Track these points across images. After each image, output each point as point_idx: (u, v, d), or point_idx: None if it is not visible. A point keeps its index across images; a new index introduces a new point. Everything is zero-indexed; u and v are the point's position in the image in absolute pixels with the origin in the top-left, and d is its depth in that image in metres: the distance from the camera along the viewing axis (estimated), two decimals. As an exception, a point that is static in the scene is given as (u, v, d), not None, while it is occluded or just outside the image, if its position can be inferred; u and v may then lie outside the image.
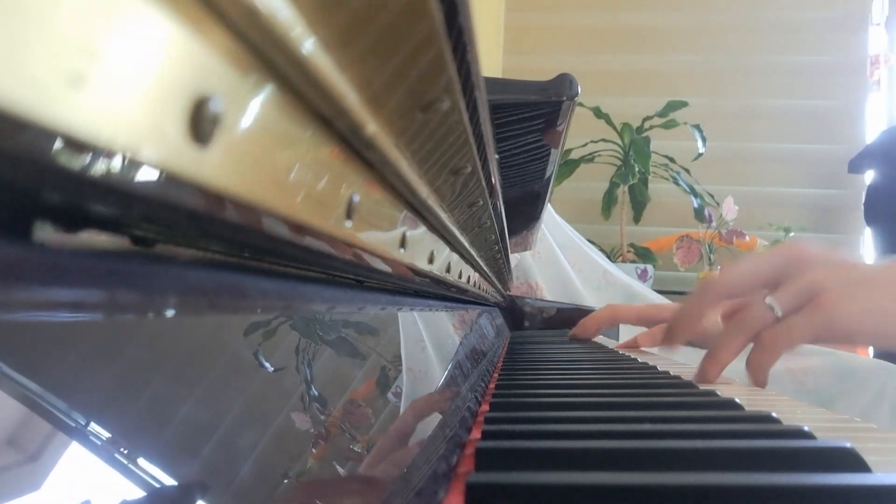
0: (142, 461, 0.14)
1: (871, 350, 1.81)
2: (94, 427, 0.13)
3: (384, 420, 0.30)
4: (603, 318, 0.96)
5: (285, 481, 0.20)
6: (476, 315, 0.77)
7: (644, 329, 0.90)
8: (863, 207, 2.41)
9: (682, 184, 2.41)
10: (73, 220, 0.11)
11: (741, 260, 0.63)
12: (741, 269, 0.61)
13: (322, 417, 0.24)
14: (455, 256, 0.43)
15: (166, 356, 0.17)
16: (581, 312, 1.27)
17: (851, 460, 0.25)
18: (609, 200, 2.49)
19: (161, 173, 0.10)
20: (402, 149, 0.20)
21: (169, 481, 0.15)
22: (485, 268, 0.63)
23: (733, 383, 0.58)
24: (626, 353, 0.80)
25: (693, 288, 2.27)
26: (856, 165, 2.43)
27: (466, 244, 0.43)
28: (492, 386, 0.48)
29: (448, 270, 0.41)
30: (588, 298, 1.58)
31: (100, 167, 0.09)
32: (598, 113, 2.43)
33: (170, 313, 0.14)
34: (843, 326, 0.54)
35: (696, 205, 2.38)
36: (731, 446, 0.26)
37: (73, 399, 0.13)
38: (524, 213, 0.97)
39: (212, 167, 0.11)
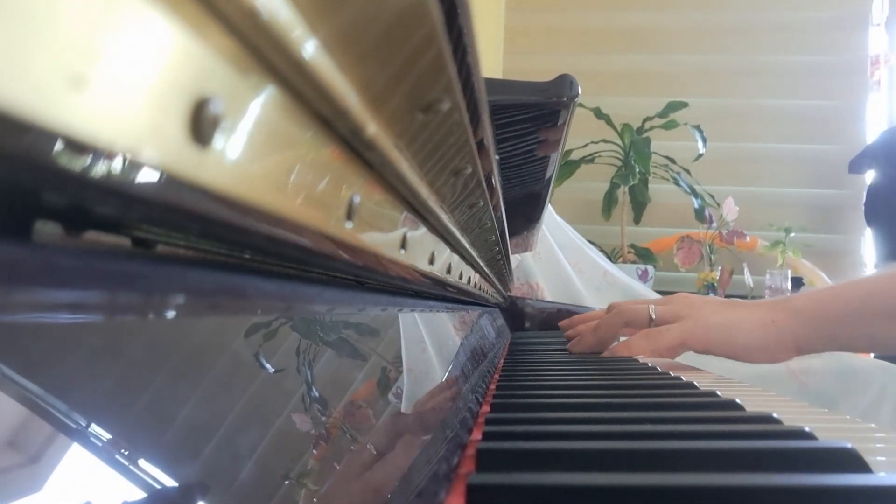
0: (142, 462, 0.14)
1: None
2: (94, 428, 0.13)
3: (385, 421, 0.30)
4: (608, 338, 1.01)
5: (286, 483, 0.20)
6: (477, 316, 0.77)
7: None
8: (863, 207, 2.41)
9: (682, 184, 2.41)
10: (73, 221, 0.11)
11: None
12: (637, 301, 0.82)
13: (323, 418, 0.24)
14: (456, 257, 0.43)
15: (167, 357, 0.17)
16: (581, 313, 1.27)
17: (852, 461, 0.25)
18: (609, 201, 2.49)
19: (162, 174, 0.10)
20: (403, 150, 0.20)
21: (169, 482, 0.15)
22: (485, 269, 0.62)
23: (732, 381, 0.58)
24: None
25: (693, 288, 2.27)
26: (856, 165, 2.42)
27: (467, 245, 0.43)
28: (493, 387, 0.48)
29: (449, 271, 0.41)
30: (589, 299, 1.58)
31: (100, 168, 0.09)
32: (598, 113, 2.43)
33: (170, 314, 0.14)
34: (698, 338, 0.71)
35: (696, 205, 2.38)
36: (731, 447, 0.26)
37: (74, 400, 0.13)
38: (524, 213, 0.97)
39: (212, 168, 0.11)
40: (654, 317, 0.74)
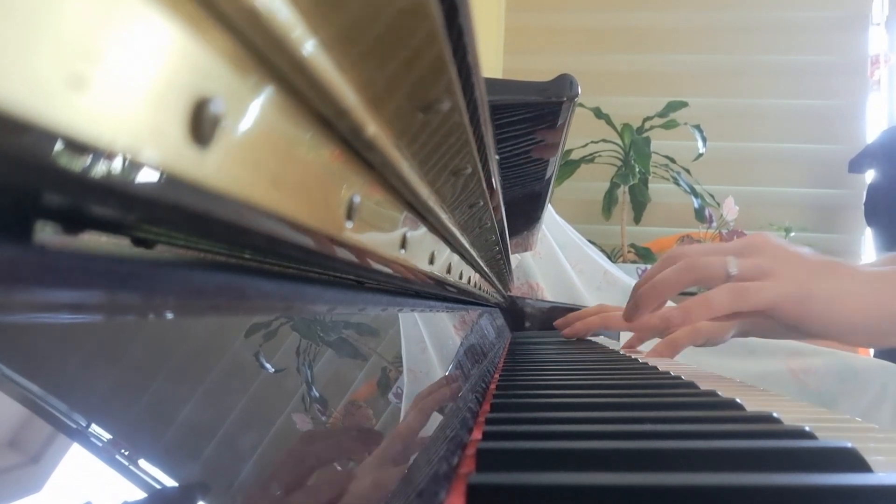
0: (143, 463, 0.14)
1: (871, 350, 1.81)
2: (95, 429, 0.13)
3: (385, 421, 0.30)
4: (593, 323, 0.96)
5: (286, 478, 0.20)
6: (477, 316, 0.77)
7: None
8: (863, 207, 2.41)
9: (682, 184, 2.41)
10: (73, 221, 0.11)
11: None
12: (705, 245, 0.65)
13: (323, 418, 0.24)
14: (456, 257, 0.43)
15: (167, 358, 0.17)
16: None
17: (853, 460, 0.25)
18: (609, 201, 2.49)
19: (162, 175, 0.10)
20: (403, 150, 0.20)
21: (170, 483, 0.15)
22: (485, 268, 0.62)
23: (731, 381, 0.58)
24: (627, 354, 0.80)
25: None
26: (856, 165, 2.42)
27: (467, 245, 0.43)
28: (493, 386, 0.48)
29: (449, 271, 0.41)
30: (589, 299, 1.58)
31: (100, 169, 0.09)
32: (598, 113, 2.43)
33: (170, 315, 0.14)
34: (794, 305, 0.55)
35: (696, 205, 2.38)
36: (732, 446, 0.26)
37: (74, 401, 0.13)
38: (525, 213, 0.97)
39: (212, 168, 0.11)
40: (733, 273, 0.58)
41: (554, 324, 1.01)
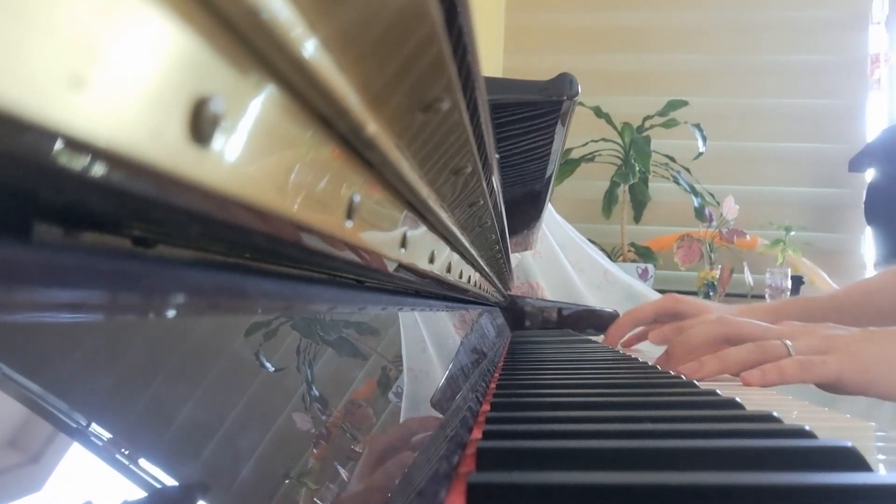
0: (143, 462, 0.14)
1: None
2: (95, 428, 0.13)
3: (385, 420, 0.30)
4: (625, 322, 0.97)
5: (286, 482, 0.20)
6: (477, 315, 0.77)
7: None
8: (863, 206, 2.41)
9: (682, 183, 2.41)
10: (73, 220, 0.11)
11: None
12: (756, 324, 0.69)
13: (323, 418, 0.24)
14: (456, 256, 0.43)
15: (167, 357, 0.17)
16: (582, 312, 1.27)
17: (853, 459, 0.25)
18: (609, 200, 2.49)
19: (161, 174, 0.10)
20: (403, 149, 0.20)
21: (170, 482, 0.15)
22: (485, 268, 0.62)
23: (731, 380, 0.58)
24: (628, 353, 0.80)
25: (693, 287, 2.27)
26: (856, 164, 2.42)
27: (467, 244, 0.43)
28: (493, 386, 0.48)
29: (449, 270, 0.41)
30: (589, 298, 1.58)
31: (100, 168, 0.09)
32: (598, 112, 2.43)
33: (170, 314, 0.14)
34: (858, 375, 0.61)
35: (696, 204, 2.38)
36: (732, 446, 0.26)
37: (74, 400, 0.13)
38: (524, 212, 0.97)
39: (212, 168, 0.11)
40: (792, 354, 0.63)
41: (609, 337, 1.01)
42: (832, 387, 0.63)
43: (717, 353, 0.65)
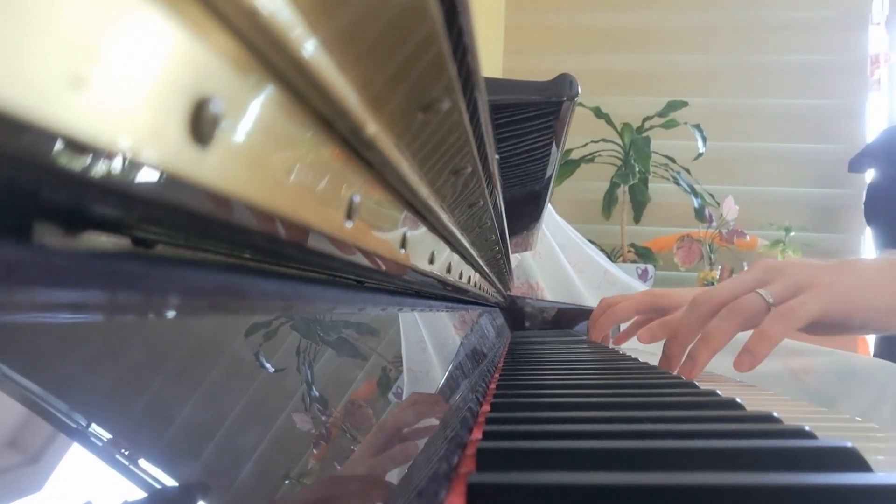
0: (143, 462, 0.14)
1: (871, 349, 1.81)
2: (95, 428, 0.13)
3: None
4: (605, 323, 0.96)
5: (286, 482, 0.20)
6: (477, 315, 0.77)
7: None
8: (863, 207, 2.41)
9: (682, 184, 2.41)
10: (73, 221, 0.11)
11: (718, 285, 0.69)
12: (725, 284, 0.65)
13: (323, 418, 0.24)
14: (456, 257, 0.43)
15: (167, 357, 0.17)
16: (582, 312, 1.27)
17: (853, 460, 0.25)
18: (609, 200, 2.49)
19: (161, 174, 0.10)
20: (403, 149, 0.20)
21: (170, 482, 0.15)
22: (485, 268, 0.63)
23: (731, 380, 0.58)
24: (628, 353, 0.80)
25: (693, 287, 2.27)
26: (856, 165, 2.42)
27: (467, 244, 0.43)
28: (493, 386, 0.48)
29: (449, 271, 0.41)
30: (589, 298, 1.58)
31: (100, 168, 0.09)
32: (598, 113, 2.43)
33: (171, 314, 0.14)
34: (839, 305, 0.58)
35: (696, 205, 2.38)
36: (731, 446, 0.26)
37: (74, 400, 0.13)
38: (524, 213, 0.97)
39: (212, 168, 0.11)
40: (771, 301, 0.60)
41: (590, 333, 1.00)
42: (815, 327, 0.60)
43: (701, 338, 0.63)
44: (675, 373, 0.63)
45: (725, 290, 0.65)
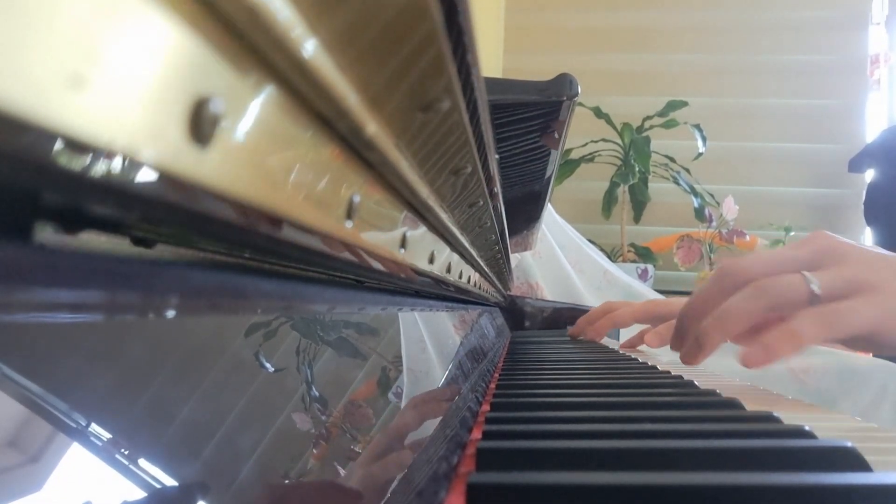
0: (143, 462, 0.14)
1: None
2: (94, 428, 0.13)
3: (385, 420, 0.30)
4: (604, 326, 0.95)
5: (286, 482, 0.20)
6: (477, 315, 0.77)
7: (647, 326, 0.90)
8: (863, 207, 2.41)
9: (682, 183, 2.41)
10: (73, 221, 0.11)
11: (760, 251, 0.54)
12: (767, 255, 0.52)
13: (323, 418, 0.24)
14: (455, 256, 0.43)
15: (167, 357, 0.17)
16: (581, 312, 1.27)
17: (852, 460, 0.25)
18: (609, 200, 2.49)
19: (161, 174, 0.10)
20: (403, 149, 0.20)
21: (170, 482, 0.15)
22: (485, 268, 0.63)
23: (731, 380, 0.58)
24: (628, 353, 0.80)
25: (693, 288, 2.27)
26: (856, 165, 2.43)
27: (467, 244, 0.43)
28: (493, 386, 0.48)
29: (448, 270, 0.41)
30: (589, 298, 1.58)
31: (100, 168, 0.09)
32: (598, 113, 2.43)
33: (170, 314, 0.14)
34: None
35: (696, 204, 2.38)
36: (731, 446, 0.26)
37: (74, 400, 0.13)
38: (524, 213, 0.97)
39: (212, 168, 0.11)
40: (818, 292, 0.47)
41: (568, 333, 1.00)
42: (856, 341, 0.47)
43: (714, 316, 0.50)
44: (681, 353, 0.54)
45: (763, 262, 0.51)
